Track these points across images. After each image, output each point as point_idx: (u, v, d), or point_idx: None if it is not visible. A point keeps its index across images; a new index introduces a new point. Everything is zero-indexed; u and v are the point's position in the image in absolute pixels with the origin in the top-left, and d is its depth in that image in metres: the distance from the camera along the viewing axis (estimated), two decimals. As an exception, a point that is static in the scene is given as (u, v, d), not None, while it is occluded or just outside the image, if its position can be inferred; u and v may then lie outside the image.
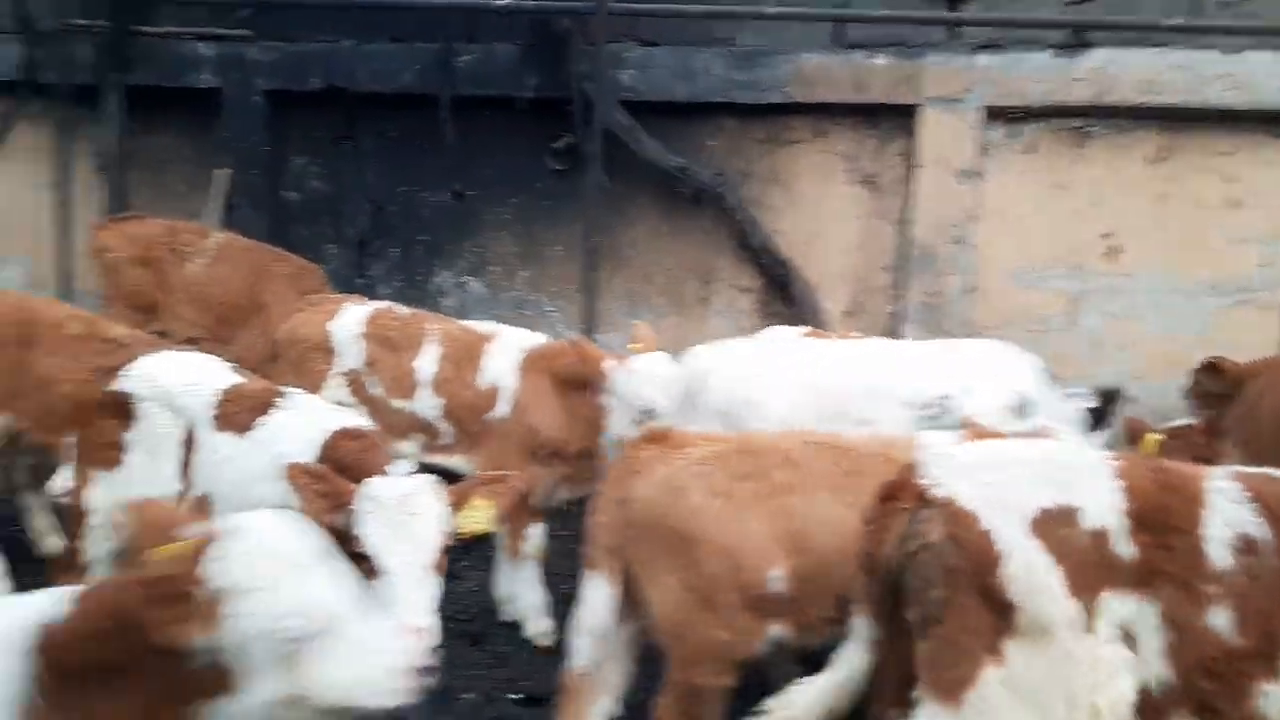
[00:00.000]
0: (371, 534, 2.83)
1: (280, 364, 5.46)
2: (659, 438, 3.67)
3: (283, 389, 3.83)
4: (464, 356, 5.26)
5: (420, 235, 7.91)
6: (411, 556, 2.81)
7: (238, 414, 3.70)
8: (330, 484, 2.93)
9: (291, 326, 5.49)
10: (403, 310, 5.59)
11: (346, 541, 2.99)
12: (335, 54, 7.63)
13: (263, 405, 3.68)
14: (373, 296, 7.77)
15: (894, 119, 7.19)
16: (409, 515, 2.83)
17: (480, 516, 3.13)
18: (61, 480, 4.31)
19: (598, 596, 3.59)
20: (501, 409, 5.14)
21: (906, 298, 7.16)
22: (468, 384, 5.19)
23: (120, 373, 3.88)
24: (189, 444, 3.78)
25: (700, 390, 4.83)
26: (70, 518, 3.93)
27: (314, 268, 6.80)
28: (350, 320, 5.41)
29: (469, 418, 5.22)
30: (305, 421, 3.59)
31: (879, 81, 7.10)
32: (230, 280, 6.61)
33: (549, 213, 7.69)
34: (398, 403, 5.29)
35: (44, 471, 5.63)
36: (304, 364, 5.37)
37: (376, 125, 7.84)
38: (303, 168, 8.01)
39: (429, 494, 2.93)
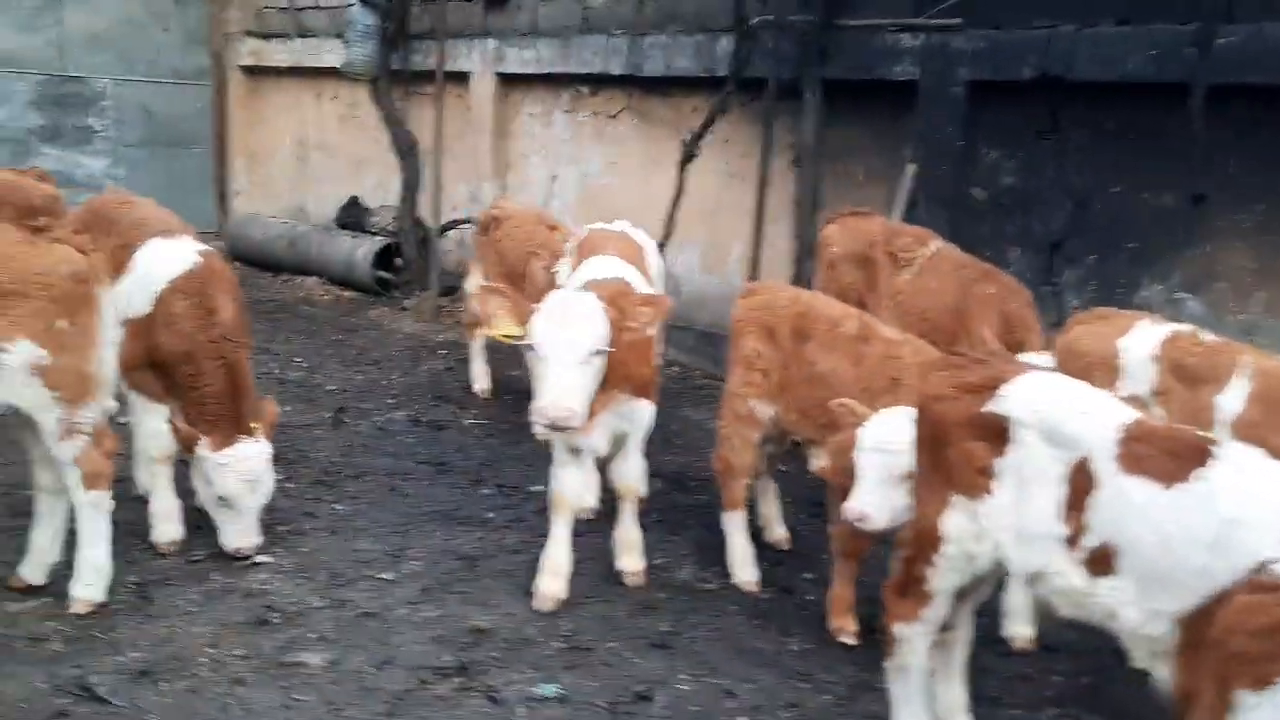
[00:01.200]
0: None
1: None
2: None
3: (1212, 436, 3.20)
4: None
5: (1128, 241, 6.98)
6: None
7: (1156, 457, 3.12)
8: None
9: (1074, 338, 4.91)
10: (1209, 336, 4.75)
11: None
12: (1053, 40, 6.95)
13: (1196, 453, 3.07)
14: (1059, 305, 7.13)
15: None
16: None
17: None
18: (856, 504, 4.09)
19: None
20: None
21: None
22: None
23: (997, 392, 3.49)
24: (1076, 482, 3.30)
25: None
26: (918, 542, 3.65)
27: (1021, 290, 6.15)
28: (1145, 339, 4.70)
29: None
30: (1272, 484, 2.92)
31: None
32: (936, 295, 6.18)
33: (1311, 223, 6.37)
34: None
35: (776, 461, 5.70)
36: (1082, 380, 4.78)
37: (1089, 117, 7.03)
38: (995, 162, 7.47)
39: None
